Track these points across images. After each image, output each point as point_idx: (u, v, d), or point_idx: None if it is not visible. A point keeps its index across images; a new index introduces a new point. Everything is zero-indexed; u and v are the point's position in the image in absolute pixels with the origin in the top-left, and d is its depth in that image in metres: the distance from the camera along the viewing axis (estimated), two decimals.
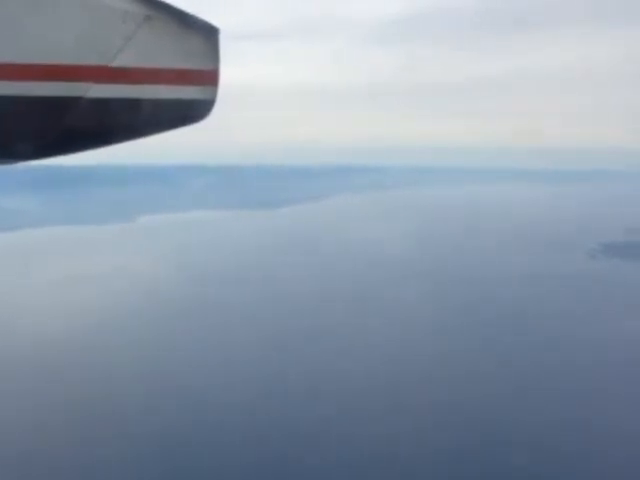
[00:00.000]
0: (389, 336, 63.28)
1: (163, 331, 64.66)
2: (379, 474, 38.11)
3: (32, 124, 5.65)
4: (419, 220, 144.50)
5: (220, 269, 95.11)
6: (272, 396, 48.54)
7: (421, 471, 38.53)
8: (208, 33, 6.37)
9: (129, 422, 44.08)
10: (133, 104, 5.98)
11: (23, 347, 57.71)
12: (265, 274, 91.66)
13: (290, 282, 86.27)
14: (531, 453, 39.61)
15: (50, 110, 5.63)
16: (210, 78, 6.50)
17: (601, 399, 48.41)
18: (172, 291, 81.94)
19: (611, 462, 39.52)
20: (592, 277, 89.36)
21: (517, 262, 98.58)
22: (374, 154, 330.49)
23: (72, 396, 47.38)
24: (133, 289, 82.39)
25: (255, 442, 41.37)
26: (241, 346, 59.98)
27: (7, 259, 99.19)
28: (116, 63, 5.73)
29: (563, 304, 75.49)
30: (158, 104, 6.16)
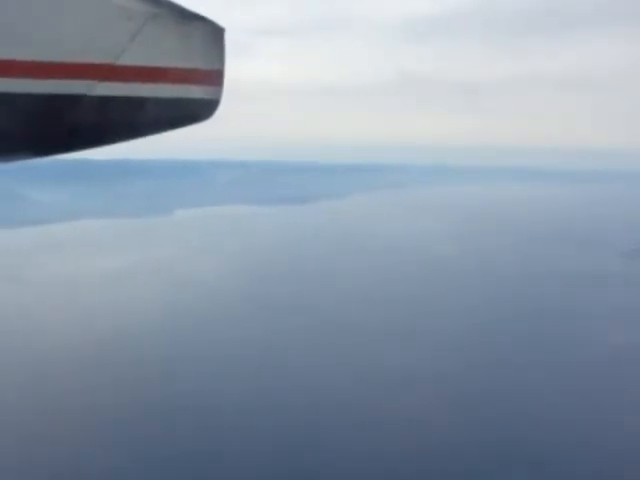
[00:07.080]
0: (420, 330, 63.12)
1: (207, 324, 64.36)
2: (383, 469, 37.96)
3: (37, 121, 5.64)
4: (445, 218, 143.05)
5: (259, 263, 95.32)
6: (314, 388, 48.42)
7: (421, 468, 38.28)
8: (214, 33, 6.41)
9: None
10: (137, 102, 5.99)
11: (63, 340, 57.02)
12: (300, 268, 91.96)
13: (325, 276, 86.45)
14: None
15: (55, 107, 5.63)
16: (215, 78, 6.52)
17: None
18: (215, 283, 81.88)
19: None
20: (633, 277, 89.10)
21: (551, 262, 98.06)
22: (392, 152, 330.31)
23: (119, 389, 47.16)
24: (175, 282, 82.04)
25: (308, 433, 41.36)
26: (279, 338, 59.87)
27: (43, 252, 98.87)
28: (121, 61, 5.74)
29: (606, 305, 74.56)
30: (162, 103, 6.16)
